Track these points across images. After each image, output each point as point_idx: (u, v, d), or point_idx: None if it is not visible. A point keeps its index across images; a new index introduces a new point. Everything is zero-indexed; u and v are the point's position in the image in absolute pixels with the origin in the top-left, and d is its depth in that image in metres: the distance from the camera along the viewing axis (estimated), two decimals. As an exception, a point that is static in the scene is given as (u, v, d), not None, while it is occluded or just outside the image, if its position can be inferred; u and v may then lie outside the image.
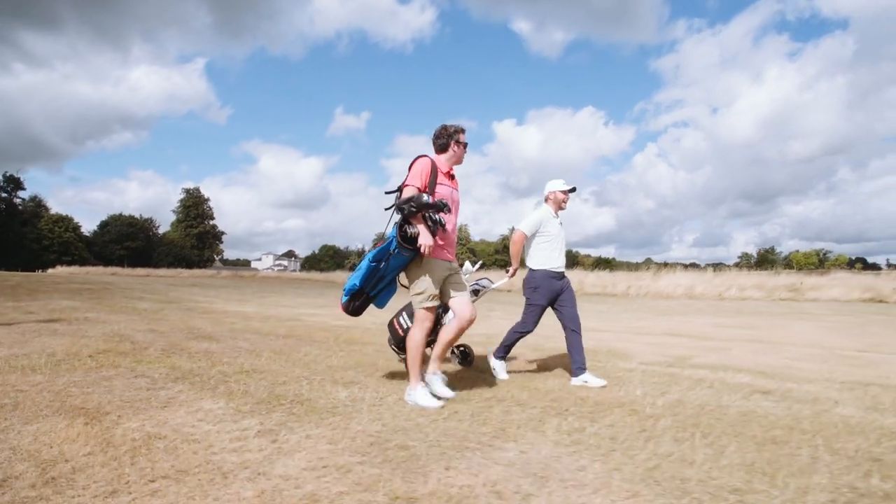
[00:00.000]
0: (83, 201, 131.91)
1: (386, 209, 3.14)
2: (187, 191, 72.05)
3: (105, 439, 2.22)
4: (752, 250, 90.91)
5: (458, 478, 1.92)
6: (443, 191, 3.13)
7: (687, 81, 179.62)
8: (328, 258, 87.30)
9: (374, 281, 3.16)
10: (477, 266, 4.34)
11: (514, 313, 8.83)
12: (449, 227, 3.13)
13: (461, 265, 3.65)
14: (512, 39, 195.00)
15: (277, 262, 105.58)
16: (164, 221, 75.50)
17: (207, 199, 73.52)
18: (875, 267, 65.38)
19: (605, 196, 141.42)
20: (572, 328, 3.85)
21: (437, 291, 3.13)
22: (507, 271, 4.21)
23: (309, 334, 6.22)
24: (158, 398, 2.93)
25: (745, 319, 10.00)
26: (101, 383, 3.24)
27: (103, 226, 64.73)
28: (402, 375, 3.74)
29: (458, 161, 3.31)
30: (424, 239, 2.93)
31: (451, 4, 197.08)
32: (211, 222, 74.04)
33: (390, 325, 3.93)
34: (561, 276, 4.00)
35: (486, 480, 1.90)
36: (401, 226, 3.00)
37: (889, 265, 65.23)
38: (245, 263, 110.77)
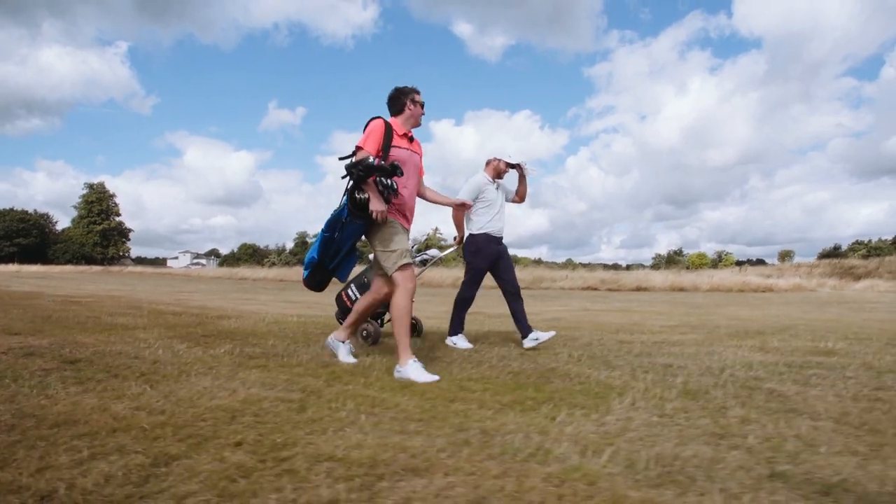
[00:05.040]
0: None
1: (342, 178, 2.94)
2: (90, 186, 70.56)
3: None
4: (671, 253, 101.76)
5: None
6: (399, 154, 2.97)
7: (618, 89, 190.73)
8: (247, 257, 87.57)
9: (331, 252, 3.05)
10: (443, 254, 4.84)
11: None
12: (405, 192, 3.01)
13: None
14: (452, 41, 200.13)
15: (196, 261, 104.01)
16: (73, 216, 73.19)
17: (113, 195, 72.29)
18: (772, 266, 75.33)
19: (538, 198, 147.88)
20: (512, 292, 4.06)
21: (409, 247, 3.03)
22: (454, 239, 4.31)
23: (40, 299, 9.24)
24: None
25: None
26: None
27: (-9, 221, 62.52)
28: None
29: (416, 122, 3.17)
30: (375, 205, 2.81)
31: (393, 2, 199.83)
32: (117, 219, 72.81)
33: (338, 298, 4.00)
34: (500, 240, 4.12)
35: None
36: (352, 192, 2.87)
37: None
38: (162, 262, 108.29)
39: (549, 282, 21.47)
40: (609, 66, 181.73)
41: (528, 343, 3.95)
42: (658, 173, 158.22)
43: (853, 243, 77.08)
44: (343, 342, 3.25)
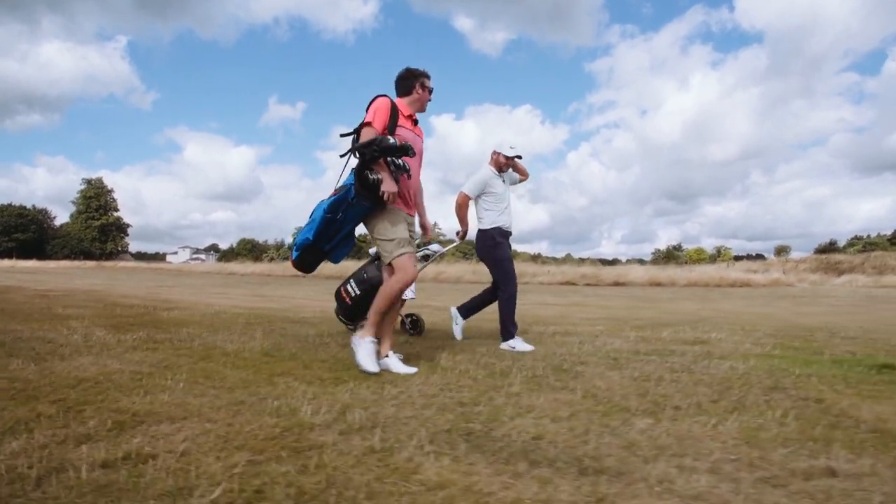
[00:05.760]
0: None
1: (341, 156, 2.88)
2: (88, 181, 71.37)
3: None
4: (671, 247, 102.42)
5: None
6: (405, 134, 2.96)
7: (619, 84, 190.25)
8: (246, 252, 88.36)
9: (330, 233, 2.95)
10: (445, 249, 4.68)
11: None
12: (412, 174, 2.99)
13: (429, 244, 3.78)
14: (453, 36, 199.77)
15: (195, 256, 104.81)
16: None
17: (111, 191, 73.07)
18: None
19: (539, 193, 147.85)
20: (498, 290, 4.09)
21: (408, 236, 2.99)
22: (457, 234, 4.26)
23: (14, 293, 9.76)
24: None
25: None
26: None
27: (-11, 217, 63.30)
28: None
29: (422, 107, 3.17)
30: (388, 186, 2.77)
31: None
32: (115, 214, 73.56)
33: (337, 293, 3.92)
34: (510, 234, 4.09)
35: None
36: (360, 171, 2.80)
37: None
38: (162, 257, 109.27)
39: (530, 276, 21.91)
40: (610, 60, 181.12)
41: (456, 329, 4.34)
42: (659, 168, 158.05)
43: (851, 238, 77.47)
44: (368, 340, 2.91)
